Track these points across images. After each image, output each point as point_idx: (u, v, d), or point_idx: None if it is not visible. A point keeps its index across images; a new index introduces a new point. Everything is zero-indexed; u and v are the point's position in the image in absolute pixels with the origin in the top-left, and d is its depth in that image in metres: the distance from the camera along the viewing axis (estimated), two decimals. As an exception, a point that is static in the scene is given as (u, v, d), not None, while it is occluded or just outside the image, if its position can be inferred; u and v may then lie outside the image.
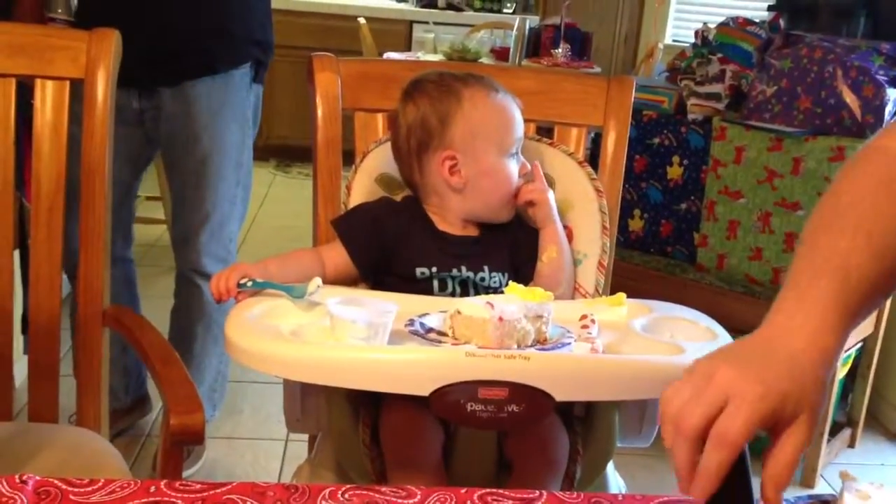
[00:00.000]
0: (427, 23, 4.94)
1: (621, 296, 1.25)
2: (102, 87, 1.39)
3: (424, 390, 1.01)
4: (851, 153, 2.21)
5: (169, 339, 1.98)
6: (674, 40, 4.26)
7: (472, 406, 1.01)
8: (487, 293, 1.20)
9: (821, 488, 2.34)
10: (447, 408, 1.02)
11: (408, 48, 4.93)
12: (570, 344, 1.11)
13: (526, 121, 1.35)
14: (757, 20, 2.68)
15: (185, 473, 2.16)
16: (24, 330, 1.49)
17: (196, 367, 2.26)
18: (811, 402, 0.73)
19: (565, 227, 1.37)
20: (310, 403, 1.25)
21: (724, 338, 1.15)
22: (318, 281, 1.18)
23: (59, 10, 2.06)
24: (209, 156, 2.05)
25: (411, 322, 1.13)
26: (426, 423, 1.15)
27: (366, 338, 1.06)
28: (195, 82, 2.00)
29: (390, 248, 1.29)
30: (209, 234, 2.15)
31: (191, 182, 2.10)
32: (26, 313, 1.45)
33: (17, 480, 0.82)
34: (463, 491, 0.84)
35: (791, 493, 0.83)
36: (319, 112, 1.41)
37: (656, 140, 2.60)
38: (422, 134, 1.29)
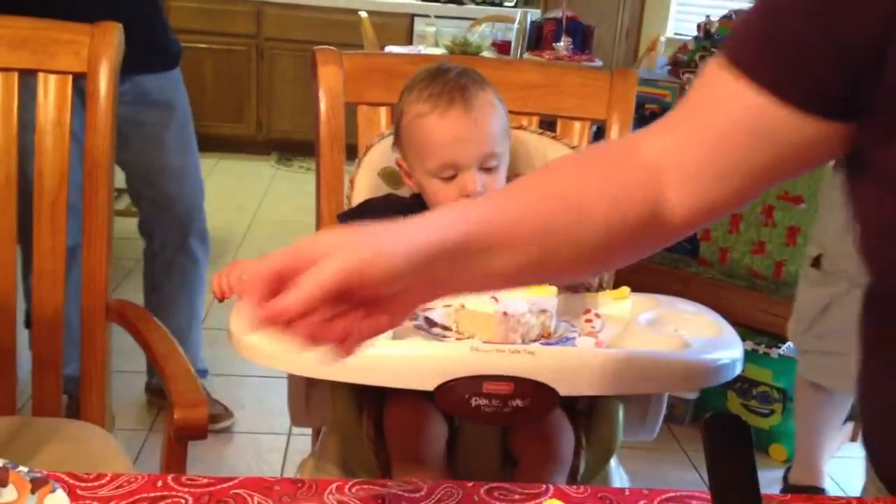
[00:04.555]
0: (428, 16, 4.92)
1: (625, 290, 1.25)
2: (105, 81, 1.39)
3: (429, 385, 1.01)
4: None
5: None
6: (676, 34, 4.25)
7: (476, 401, 1.01)
8: None
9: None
10: (452, 402, 1.02)
11: (409, 42, 4.92)
12: (574, 338, 1.10)
13: (528, 114, 1.34)
14: (759, 13, 2.67)
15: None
16: (28, 324, 1.49)
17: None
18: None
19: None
20: (315, 398, 1.25)
21: (728, 332, 1.15)
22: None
23: None
24: (187, 121, 2.35)
25: (416, 317, 1.13)
26: (430, 417, 1.15)
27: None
28: (173, 70, 2.33)
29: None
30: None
31: (177, 150, 2.33)
32: (30, 307, 1.45)
33: (23, 475, 0.82)
34: (470, 485, 0.84)
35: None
36: (322, 106, 1.40)
37: (659, 134, 2.59)
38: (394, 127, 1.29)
